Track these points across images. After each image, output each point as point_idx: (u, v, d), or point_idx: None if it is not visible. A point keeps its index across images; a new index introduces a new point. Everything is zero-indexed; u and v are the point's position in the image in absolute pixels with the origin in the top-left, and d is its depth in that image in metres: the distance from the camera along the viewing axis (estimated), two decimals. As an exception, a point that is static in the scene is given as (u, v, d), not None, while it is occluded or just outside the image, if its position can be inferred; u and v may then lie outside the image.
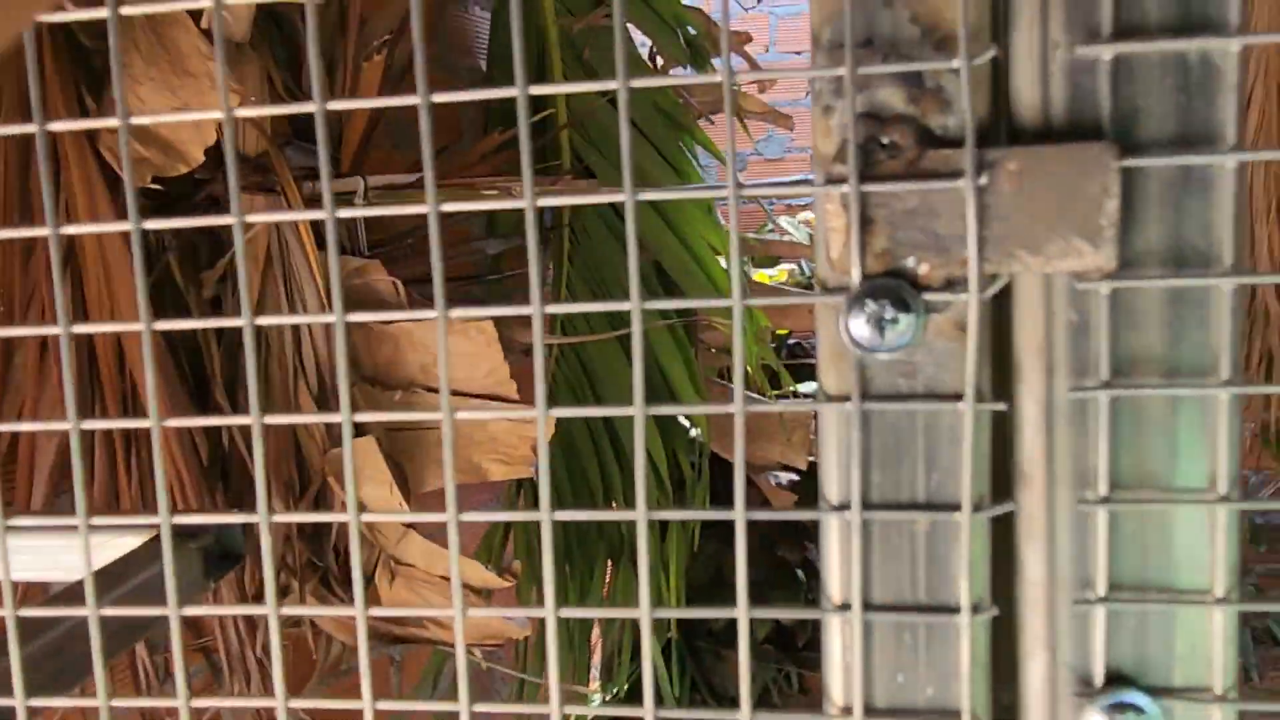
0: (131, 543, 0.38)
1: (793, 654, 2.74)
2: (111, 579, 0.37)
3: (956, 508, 0.36)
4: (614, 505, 1.73)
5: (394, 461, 1.22)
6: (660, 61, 1.91)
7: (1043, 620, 0.37)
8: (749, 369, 1.94)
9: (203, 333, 1.06)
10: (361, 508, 1.14)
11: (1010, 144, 0.34)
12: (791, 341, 2.83)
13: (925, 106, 0.34)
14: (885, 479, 0.37)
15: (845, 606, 0.37)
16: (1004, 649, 0.38)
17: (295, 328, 1.11)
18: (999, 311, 0.36)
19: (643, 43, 1.85)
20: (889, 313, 0.34)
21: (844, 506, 0.37)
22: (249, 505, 1.12)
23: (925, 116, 0.34)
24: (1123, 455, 0.35)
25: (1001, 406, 0.36)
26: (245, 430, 1.11)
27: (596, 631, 1.83)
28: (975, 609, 0.36)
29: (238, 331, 1.11)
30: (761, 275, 2.43)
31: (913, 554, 0.37)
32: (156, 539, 0.38)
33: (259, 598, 1.13)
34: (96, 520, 0.34)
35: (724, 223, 1.84)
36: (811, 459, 1.98)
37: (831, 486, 0.38)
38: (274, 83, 1.08)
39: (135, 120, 0.34)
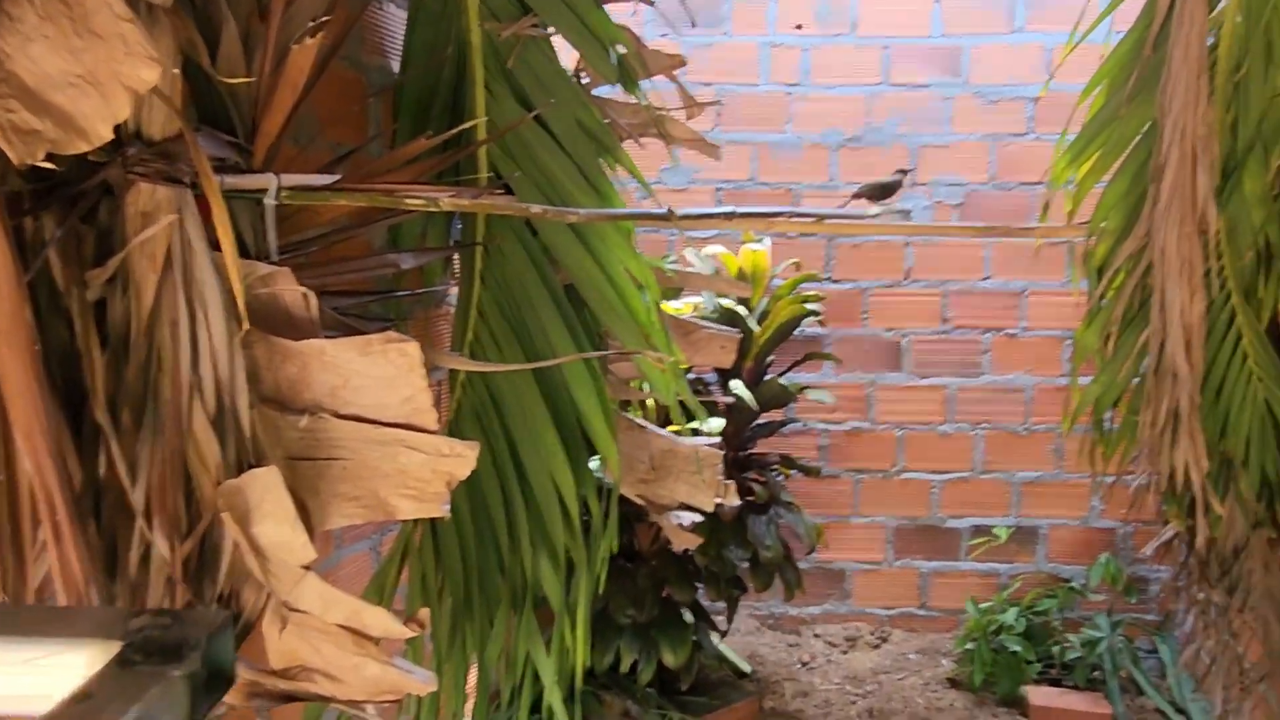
0: (73, 661, 0.27)
1: (676, 698, 2.66)
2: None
3: None
4: (518, 547, 1.61)
5: (294, 496, 1.09)
6: (586, 79, 1.83)
7: None
8: (664, 404, 1.86)
9: (84, 338, 0.91)
10: (257, 548, 0.99)
11: None
12: (691, 377, 2.77)
13: None
14: None
15: None
16: None
17: (194, 341, 0.97)
18: None
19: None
20: None
21: None
22: (124, 541, 0.97)
23: None
24: None
25: None
26: (126, 453, 0.96)
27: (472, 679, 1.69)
28: None
29: (124, 338, 0.97)
30: (667, 307, 2.36)
31: None
32: (116, 660, 0.27)
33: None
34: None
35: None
36: (719, 500, 1.91)
37: None
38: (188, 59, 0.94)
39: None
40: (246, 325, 0.94)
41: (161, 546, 0.94)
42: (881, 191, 1.89)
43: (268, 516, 1.02)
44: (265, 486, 1.00)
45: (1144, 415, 1.88)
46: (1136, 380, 1.98)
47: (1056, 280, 3.12)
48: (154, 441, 0.96)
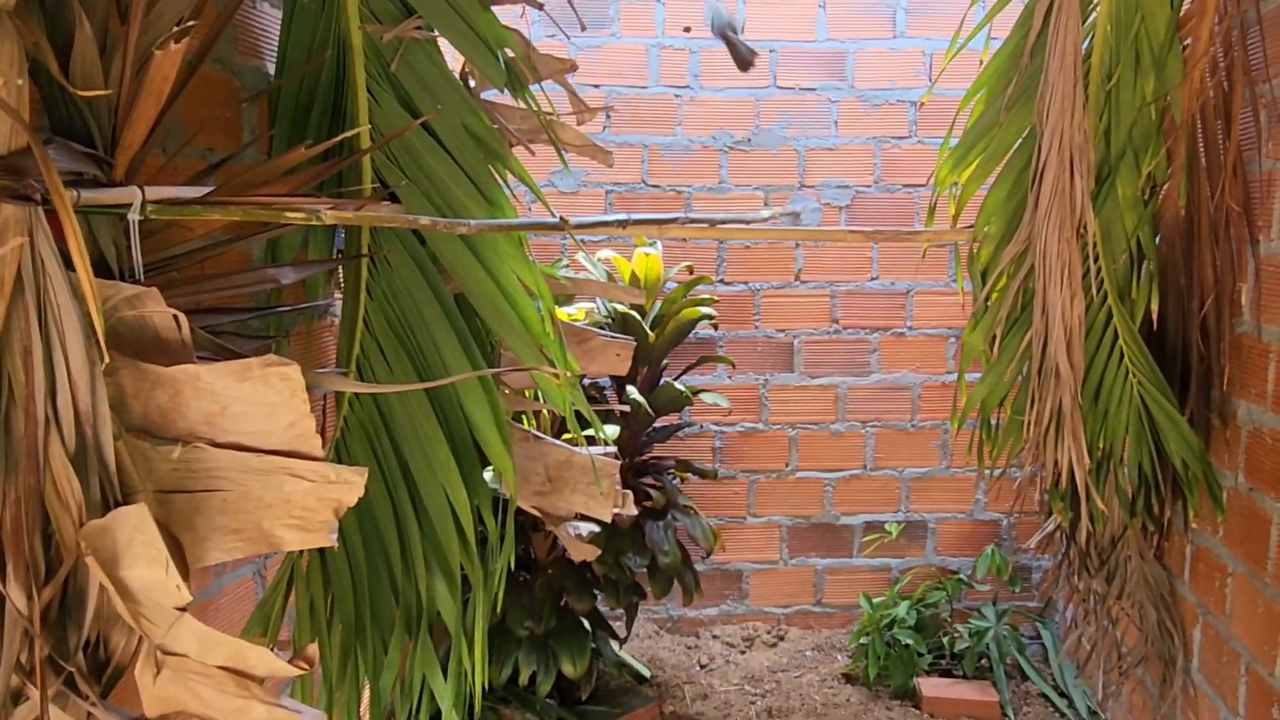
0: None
1: (576, 707, 2.63)
2: None
3: None
4: (412, 568, 1.56)
5: (168, 533, 1.02)
6: (473, 83, 1.78)
7: None
8: (560, 414, 1.82)
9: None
10: (126, 592, 0.92)
11: None
12: (585, 382, 2.74)
13: None
14: None
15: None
16: None
17: (50, 370, 0.89)
18: None
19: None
20: None
21: None
22: (-26, 591, 0.89)
23: None
24: None
25: None
26: (-26, 497, 0.88)
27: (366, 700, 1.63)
28: None
29: (-31, 372, 0.88)
30: (560, 314, 2.33)
31: None
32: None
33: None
34: None
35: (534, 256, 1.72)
36: (616, 510, 1.89)
37: None
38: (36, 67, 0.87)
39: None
40: (107, 351, 0.86)
41: (16, 597, 0.87)
42: (745, 54, 2.05)
43: (138, 558, 0.95)
44: (134, 526, 0.93)
45: (1029, 413, 1.93)
46: (1021, 379, 2.04)
47: (940, 280, 3.19)
48: (6, 480, 0.88)
